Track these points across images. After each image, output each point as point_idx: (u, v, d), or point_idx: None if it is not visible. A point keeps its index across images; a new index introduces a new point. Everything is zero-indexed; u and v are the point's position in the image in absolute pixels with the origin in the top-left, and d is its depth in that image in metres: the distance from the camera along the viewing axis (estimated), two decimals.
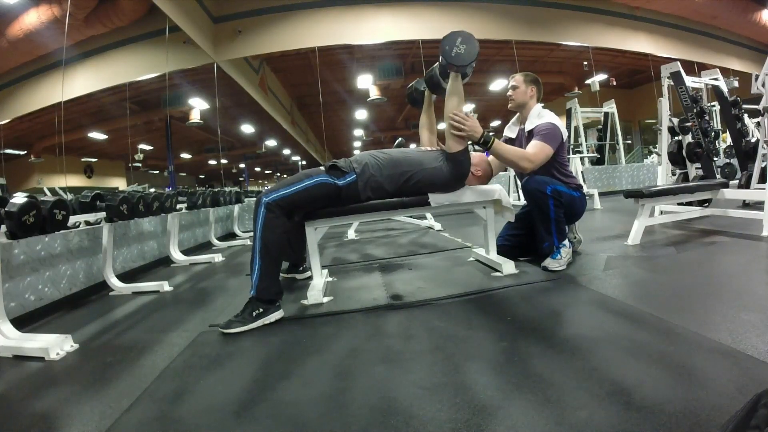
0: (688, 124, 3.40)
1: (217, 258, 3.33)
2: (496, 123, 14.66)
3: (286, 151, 16.54)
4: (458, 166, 1.96)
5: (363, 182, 1.89)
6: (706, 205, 3.25)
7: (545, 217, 2.10)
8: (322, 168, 1.91)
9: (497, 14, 7.80)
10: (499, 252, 2.26)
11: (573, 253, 2.31)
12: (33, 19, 5.46)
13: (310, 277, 2.11)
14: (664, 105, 3.42)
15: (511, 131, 2.39)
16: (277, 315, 1.66)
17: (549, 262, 2.07)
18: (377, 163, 1.93)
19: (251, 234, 1.74)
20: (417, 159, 1.97)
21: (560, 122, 2.16)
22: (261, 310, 1.63)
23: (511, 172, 5.69)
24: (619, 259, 2.20)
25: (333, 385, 1.10)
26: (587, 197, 4.09)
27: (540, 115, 2.19)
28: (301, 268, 2.41)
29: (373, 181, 1.90)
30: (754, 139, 3.46)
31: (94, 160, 9.75)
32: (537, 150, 2.03)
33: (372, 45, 7.94)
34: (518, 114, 2.35)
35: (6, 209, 1.52)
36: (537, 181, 2.10)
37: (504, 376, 1.04)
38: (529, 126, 2.22)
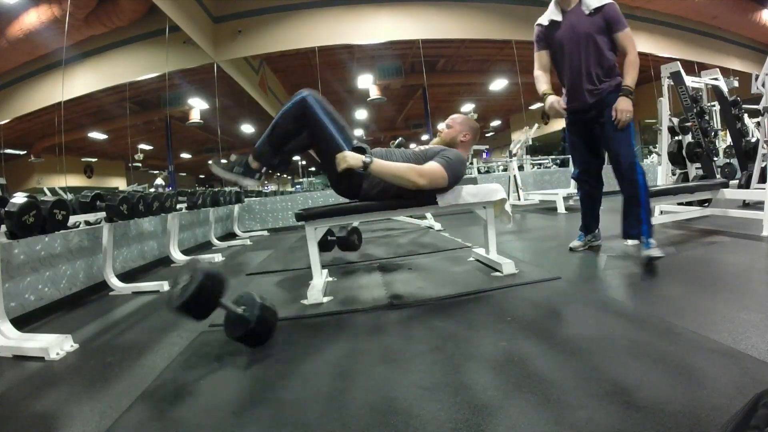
0: (688, 124, 3.40)
1: (217, 258, 3.32)
2: (496, 123, 14.67)
3: None
4: (452, 179, 1.94)
5: (368, 183, 1.93)
6: (706, 205, 3.25)
7: (636, 201, 1.91)
8: (354, 140, 1.90)
9: (497, 14, 7.80)
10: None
11: (583, 249, 2.42)
12: (33, 19, 5.47)
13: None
14: (664, 105, 3.42)
15: (554, 14, 2.06)
16: (248, 182, 1.83)
17: (650, 251, 1.92)
18: None
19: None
20: (417, 161, 1.97)
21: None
22: (242, 170, 1.80)
23: (511, 172, 5.66)
24: (619, 259, 2.20)
25: (333, 385, 1.10)
26: None
27: None
28: None
29: (376, 183, 1.92)
30: (754, 139, 3.46)
31: (94, 160, 9.74)
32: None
33: (372, 45, 7.94)
34: None
35: (6, 209, 1.52)
36: (630, 155, 1.90)
37: (504, 376, 1.04)
38: (595, 2, 1.90)
